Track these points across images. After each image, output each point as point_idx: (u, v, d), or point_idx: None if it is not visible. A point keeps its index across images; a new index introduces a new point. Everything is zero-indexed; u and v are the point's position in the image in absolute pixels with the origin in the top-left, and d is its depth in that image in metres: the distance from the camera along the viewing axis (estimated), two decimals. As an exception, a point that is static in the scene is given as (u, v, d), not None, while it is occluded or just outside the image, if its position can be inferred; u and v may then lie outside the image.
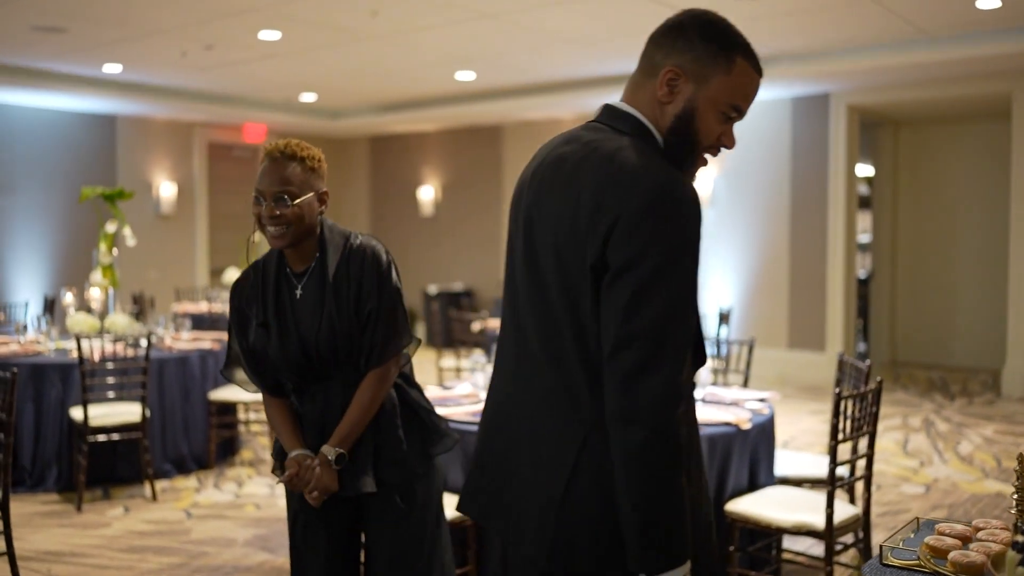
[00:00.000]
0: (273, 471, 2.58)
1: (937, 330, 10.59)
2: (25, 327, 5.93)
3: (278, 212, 2.36)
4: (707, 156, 1.77)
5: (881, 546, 1.88)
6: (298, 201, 2.38)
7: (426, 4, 6.46)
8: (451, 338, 8.77)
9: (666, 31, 1.74)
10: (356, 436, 2.42)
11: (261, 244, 2.64)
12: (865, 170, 10.89)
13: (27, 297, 10.06)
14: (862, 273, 10.94)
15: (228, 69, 8.92)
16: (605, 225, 1.59)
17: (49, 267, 10.44)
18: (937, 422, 7.48)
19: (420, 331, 12.64)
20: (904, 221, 10.81)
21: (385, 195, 13.37)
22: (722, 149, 1.76)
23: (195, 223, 11.67)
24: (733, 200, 9.97)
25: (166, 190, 11.29)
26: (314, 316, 2.41)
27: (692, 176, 1.76)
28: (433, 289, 11.98)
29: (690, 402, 1.74)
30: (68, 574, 4.08)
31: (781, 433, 6.87)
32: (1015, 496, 1.69)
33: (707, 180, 10.02)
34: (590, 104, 10.33)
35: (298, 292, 2.45)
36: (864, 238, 11.02)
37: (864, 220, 11.06)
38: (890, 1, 6.34)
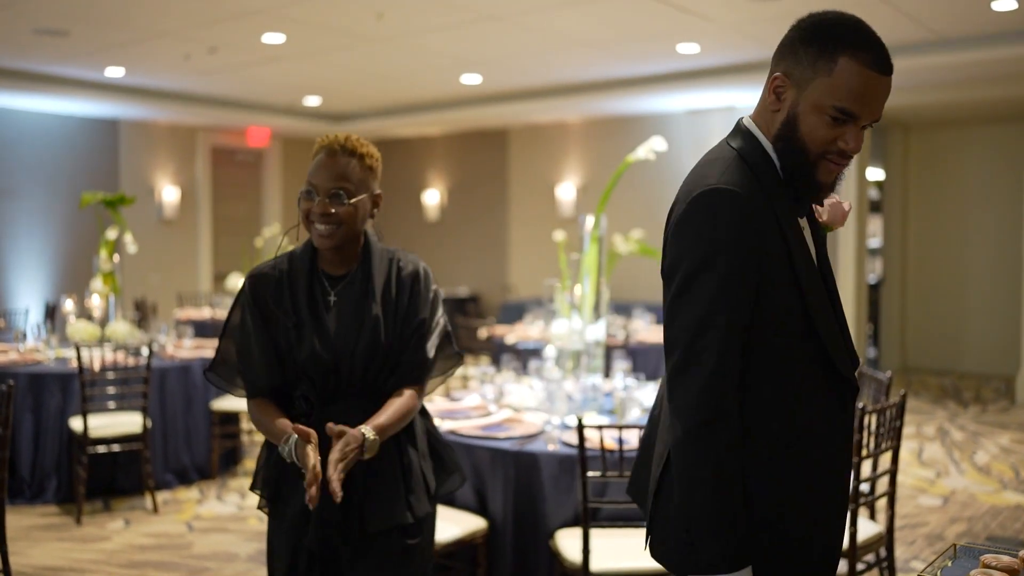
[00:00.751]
0: (260, 498, 2.29)
1: (949, 336, 10.46)
2: (24, 335, 5.83)
3: (332, 210, 2.20)
4: (834, 163, 1.69)
5: (921, 575, 1.76)
6: (354, 200, 2.23)
7: (431, 6, 6.36)
8: (458, 345, 8.67)
9: (783, 39, 1.74)
10: (390, 434, 2.19)
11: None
12: (876, 174, 10.78)
13: (28, 303, 9.97)
14: (872, 278, 10.82)
15: (232, 72, 8.83)
16: (665, 238, 1.73)
17: (50, 273, 10.35)
18: (952, 430, 7.36)
19: (425, 336, 12.52)
20: (915, 225, 10.69)
21: (390, 199, 13.27)
22: (848, 154, 1.69)
23: (198, 228, 11.58)
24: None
25: (169, 195, 11.20)
26: (351, 325, 2.23)
27: (817, 188, 1.71)
28: (438, 294, 11.87)
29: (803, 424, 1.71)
30: (66, 591, 3.98)
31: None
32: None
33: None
34: (597, 108, 10.22)
35: (332, 298, 2.28)
36: (875, 243, 10.90)
37: (875, 225, 10.94)
38: (902, 3, 6.23)
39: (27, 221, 10.17)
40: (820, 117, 1.64)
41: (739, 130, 1.79)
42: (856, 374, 1.83)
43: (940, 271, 10.54)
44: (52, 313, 8.46)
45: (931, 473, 6.06)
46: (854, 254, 9.30)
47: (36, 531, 4.77)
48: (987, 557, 1.77)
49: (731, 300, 1.60)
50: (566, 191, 11.22)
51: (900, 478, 5.87)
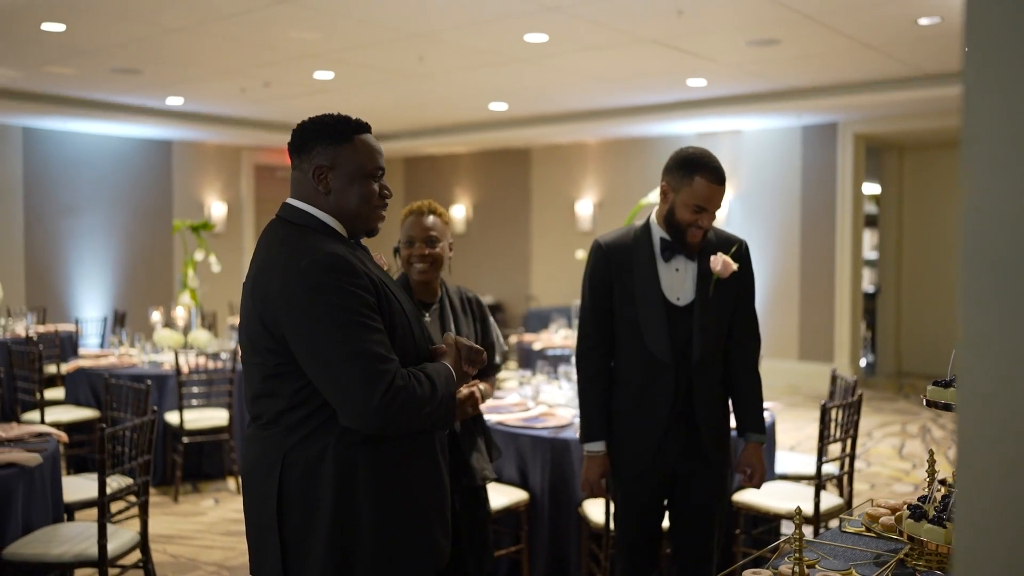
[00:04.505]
0: None
1: (940, 342, 11.22)
2: (121, 341, 6.73)
3: (426, 251, 3.04)
4: (694, 230, 2.97)
5: (840, 518, 2.61)
6: (440, 244, 3.09)
7: (467, 50, 7.21)
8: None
9: (667, 163, 3.01)
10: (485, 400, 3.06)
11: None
12: (872, 189, 11.57)
13: (92, 312, 10.90)
14: (870, 288, 11.61)
15: (281, 102, 9.72)
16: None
17: (112, 284, 11.28)
18: (934, 429, 8.16)
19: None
20: (909, 239, 11.45)
21: (418, 212, 14.12)
22: (703, 228, 2.98)
23: (243, 240, 12.49)
24: (747, 221, 10.68)
25: (217, 209, 12.12)
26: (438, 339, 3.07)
27: (686, 244, 2.99)
28: (465, 302, 12.72)
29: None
30: (181, 552, 4.86)
31: (789, 438, 7.57)
32: (926, 479, 2.41)
33: (723, 202, 10.72)
34: (613, 131, 11.07)
35: (427, 317, 3.12)
36: (871, 255, 11.69)
37: (872, 238, 11.74)
38: (891, 48, 7.04)
39: (90, 235, 11.10)
40: (687, 208, 2.88)
41: (646, 217, 3.09)
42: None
43: (933, 281, 11.30)
44: (122, 320, 9.36)
45: (908, 465, 6.87)
46: (851, 266, 10.11)
47: (141, 508, 5.65)
48: (879, 501, 2.61)
49: (592, 295, 3.02)
50: (584, 207, 12.07)
51: (880, 469, 6.69)
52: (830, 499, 4.16)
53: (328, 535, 2.00)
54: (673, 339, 2.94)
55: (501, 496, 4.15)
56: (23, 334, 7.92)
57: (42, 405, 5.83)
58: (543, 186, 12.72)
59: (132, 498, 4.18)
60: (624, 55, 7.37)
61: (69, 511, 4.10)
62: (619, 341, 3.01)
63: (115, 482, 4.23)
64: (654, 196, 4.92)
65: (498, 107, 10.09)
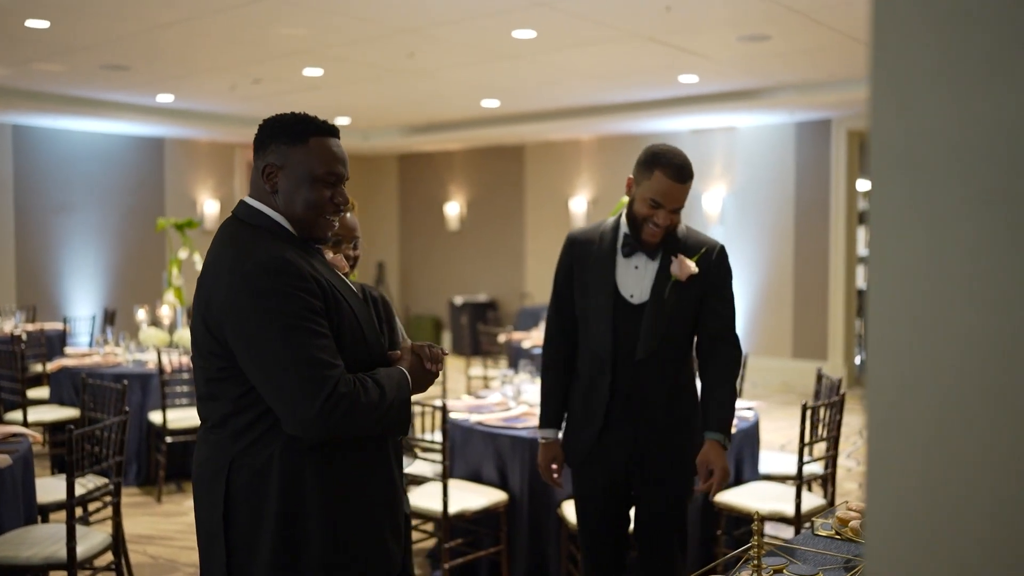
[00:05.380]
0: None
1: (935, 340, 11.17)
2: (105, 340, 6.69)
3: (352, 253, 2.77)
4: (651, 228, 2.91)
5: (812, 520, 2.57)
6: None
7: (457, 46, 7.16)
8: (478, 348, 9.48)
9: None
10: None
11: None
12: (866, 186, 11.50)
13: (84, 310, 10.86)
14: (864, 285, 11.55)
15: (271, 99, 9.67)
16: None
17: (103, 281, 11.24)
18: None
19: (447, 340, 13.36)
20: (904, 236, 11.38)
21: (413, 210, 14.11)
22: (660, 225, 2.91)
23: (236, 237, 12.42)
24: (741, 218, 10.64)
25: (209, 207, 12.08)
26: None
27: (641, 240, 2.97)
28: (459, 300, 12.71)
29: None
30: (161, 554, 4.82)
31: (779, 437, 7.53)
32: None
33: (716, 199, 10.70)
34: (607, 127, 11.03)
35: None
36: (865, 252, 11.62)
37: (866, 235, 11.67)
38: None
39: (82, 233, 11.06)
40: (644, 203, 2.86)
41: (619, 212, 3.11)
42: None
43: (928, 279, 11.24)
44: (112, 319, 9.32)
45: (899, 463, 6.82)
46: (844, 263, 10.06)
47: (125, 508, 5.57)
48: (852, 503, 2.57)
49: (555, 285, 3.10)
50: (579, 204, 12.02)
51: (870, 468, 6.64)
52: (813, 500, 4.12)
53: (274, 544, 1.96)
54: (618, 336, 2.92)
55: (480, 497, 4.11)
56: (12, 332, 7.88)
57: (24, 405, 5.79)
58: (537, 183, 12.67)
59: (109, 498, 4.14)
60: (614, 51, 7.32)
61: (44, 512, 4.06)
62: (579, 334, 3.05)
63: (91, 482, 4.20)
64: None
65: (490, 104, 10.04)
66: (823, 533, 2.55)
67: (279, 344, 1.90)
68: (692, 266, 2.91)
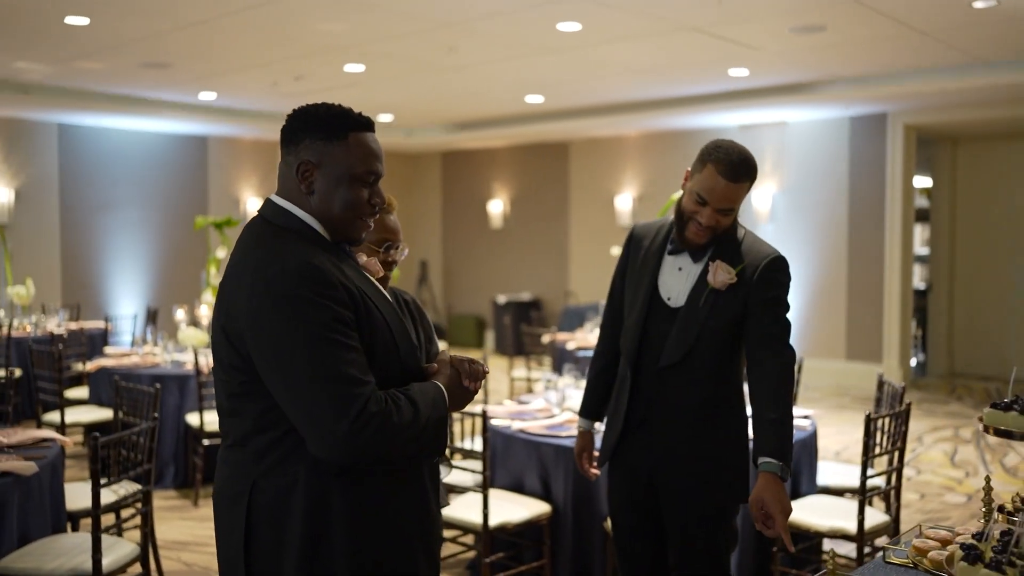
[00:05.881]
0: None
1: (994, 341, 10.77)
2: (144, 340, 6.61)
3: (392, 258, 2.59)
4: (695, 226, 2.74)
5: (883, 547, 2.35)
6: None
7: (499, 40, 6.99)
8: (521, 348, 9.30)
9: None
10: None
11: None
12: (923, 182, 11.13)
13: (127, 308, 10.87)
14: (920, 285, 11.19)
15: (313, 96, 9.49)
16: None
17: (146, 280, 11.25)
18: (988, 434, 7.76)
19: (489, 339, 13.21)
20: (962, 233, 11.00)
21: (456, 208, 13.97)
22: (700, 223, 2.73)
23: (279, 236, 12.38)
24: (792, 216, 10.33)
25: (252, 206, 12.03)
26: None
27: (684, 239, 2.80)
28: (502, 299, 12.54)
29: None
30: (196, 561, 4.71)
31: (834, 443, 7.25)
32: (983, 510, 2.14)
33: (766, 196, 10.40)
34: (653, 123, 10.78)
35: None
36: (922, 251, 11.26)
37: (923, 233, 11.30)
38: (945, 34, 6.68)
39: (126, 232, 11.07)
40: (691, 197, 2.68)
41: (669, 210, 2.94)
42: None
43: (987, 278, 10.84)
44: (154, 317, 9.30)
45: (960, 473, 6.51)
46: (900, 262, 9.71)
47: (160, 512, 5.51)
48: (929, 531, 2.34)
49: (614, 275, 2.96)
50: (624, 201, 11.78)
51: (931, 477, 6.35)
52: (875, 515, 3.87)
53: (298, 572, 1.80)
54: (646, 339, 2.77)
55: (522, 508, 3.93)
56: (53, 331, 7.87)
57: (62, 406, 5.72)
58: (582, 180, 12.45)
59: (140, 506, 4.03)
60: (662, 44, 7.10)
61: (75, 519, 3.96)
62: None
63: (123, 488, 4.10)
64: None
65: (534, 100, 9.85)
66: (896, 561, 2.32)
67: (304, 358, 1.73)
68: (729, 275, 2.70)
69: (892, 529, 3.91)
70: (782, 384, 2.65)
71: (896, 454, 3.89)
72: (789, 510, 2.51)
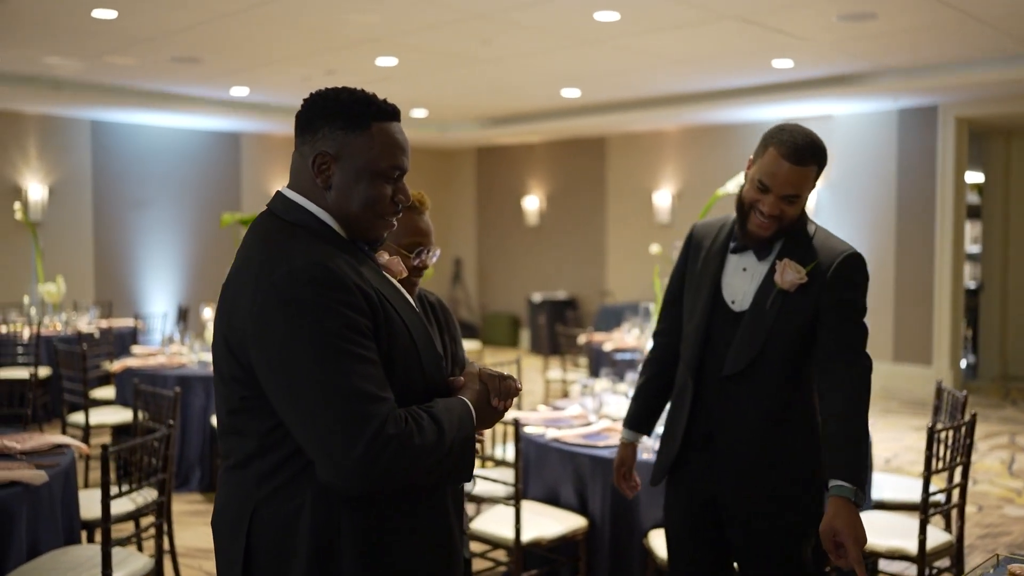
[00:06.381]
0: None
1: (1050, 343, 10.36)
2: (171, 339, 6.48)
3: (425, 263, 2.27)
4: (757, 217, 2.49)
5: (962, 580, 2.09)
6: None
7: (534, 31, 6.76)
8: (556, 347, 9.08)
9: None
10: None
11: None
12: (975, 178, 10.74)
13: (160, 306, 10.80)
14: (971, 284, 10.79)
15: (346, 91, 9.41)
16: None
17: (178, 278, 11.18)
18: (1046, 440, 7.42)
19: (524, 338, 12.99)
20: (1015, 231, 10.60)
21: (491, 204, 13.76)
22: (765, 214, 2.47)
23: (312, 233, 12.27)
24: (838, 212, 9.99)
25: (285, 202, 11.91)
26: None
27: (745, 231, 2.53)
28: (537, 297, 12.32)
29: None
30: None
31: (884, 450, 6.94)
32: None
33: (811, 192, 10.07)
34: (693, 117, 10.49)
35: None
36: (973, 248, 10.86)
37: (974, 230, 10.90)
38: (1002, 21, 6.35)
39: (158, 229, 11.00)
40: (752, 184, 2.45)
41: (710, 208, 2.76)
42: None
43: (1042, 277, 10.44)
44: (185, 316, 9.20)
45: (1019, 484, 6.19)
46: (951, 260, 9.35)
47: (184, 516, 5.37)
48: (1014, 567, 2.09)
49: (671, 278, 2.75)
50: (662, 198, 11.51)
51: (987, 488, 6.04)
52: (937, 535, 3.60)
53: None
54: (709, 346, 2.54)
55: (557, 523, 3.71)
56: (82, 330, 7.78)
57: (87, 407, 5.60)
58: (619, 176, 12.19)
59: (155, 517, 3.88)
60: (703, 34, 6.83)
61: (90, 529, 3.81)
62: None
63: (142, 497, 3.95)
64: (732, 186, 4.39)
65: (571, 93, 9.62)
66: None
67: (313, 371, 1.53)
68: (798, 274, 2.43)
69: (955, 550, 3.64)
70: (858, 397, 2.37)
71: (959, 470, 3.61)
72: (864, 540, 2.23)
